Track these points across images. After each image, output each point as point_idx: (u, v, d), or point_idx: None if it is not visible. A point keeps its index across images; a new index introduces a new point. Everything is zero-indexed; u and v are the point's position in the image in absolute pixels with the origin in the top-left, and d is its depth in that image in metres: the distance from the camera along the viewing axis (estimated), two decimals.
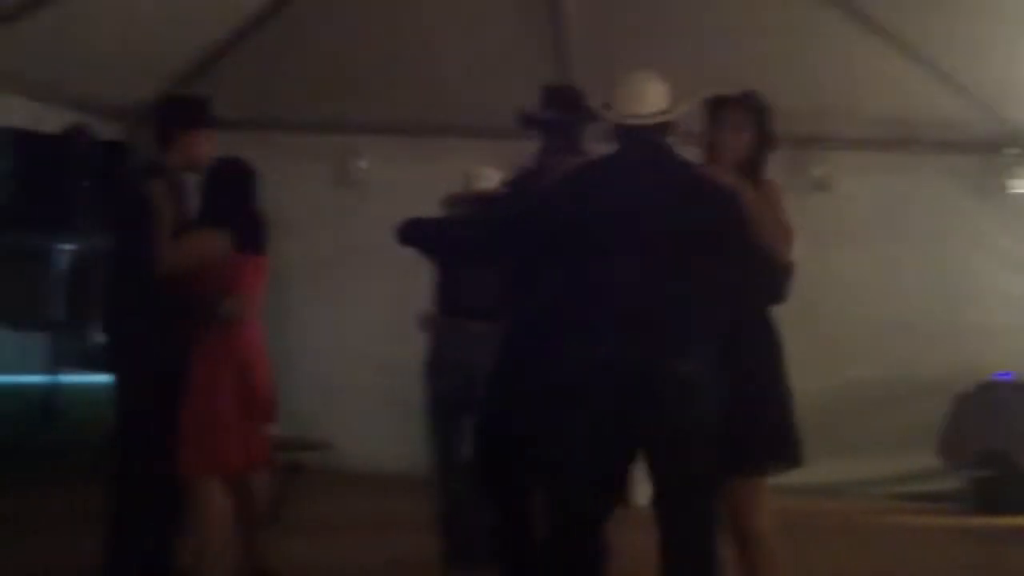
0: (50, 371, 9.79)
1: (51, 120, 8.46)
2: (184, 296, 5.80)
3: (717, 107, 5.32)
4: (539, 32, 8.87)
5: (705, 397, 4.70)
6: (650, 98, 4.92)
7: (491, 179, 6.86)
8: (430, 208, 7.27)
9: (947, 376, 9.12)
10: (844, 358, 9.44)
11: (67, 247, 9.93)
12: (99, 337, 6.64)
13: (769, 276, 5.09)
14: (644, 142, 4.94)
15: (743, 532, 5.16)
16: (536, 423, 5.05)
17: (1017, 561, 7.85)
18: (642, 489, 4.91)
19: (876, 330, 9.48)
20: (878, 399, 9.45)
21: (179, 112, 6.25)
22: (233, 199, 5.97)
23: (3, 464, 9.37)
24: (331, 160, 9.89)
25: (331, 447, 9.54)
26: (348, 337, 9.73)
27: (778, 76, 8.52)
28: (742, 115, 5.29)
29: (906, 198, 9.58)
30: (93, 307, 10.61)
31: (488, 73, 8.78)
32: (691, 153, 5.26)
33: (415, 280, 7.21)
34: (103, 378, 6.13)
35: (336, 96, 9.51)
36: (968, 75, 8.73)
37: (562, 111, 5.66)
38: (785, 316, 9.03)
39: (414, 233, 6.84)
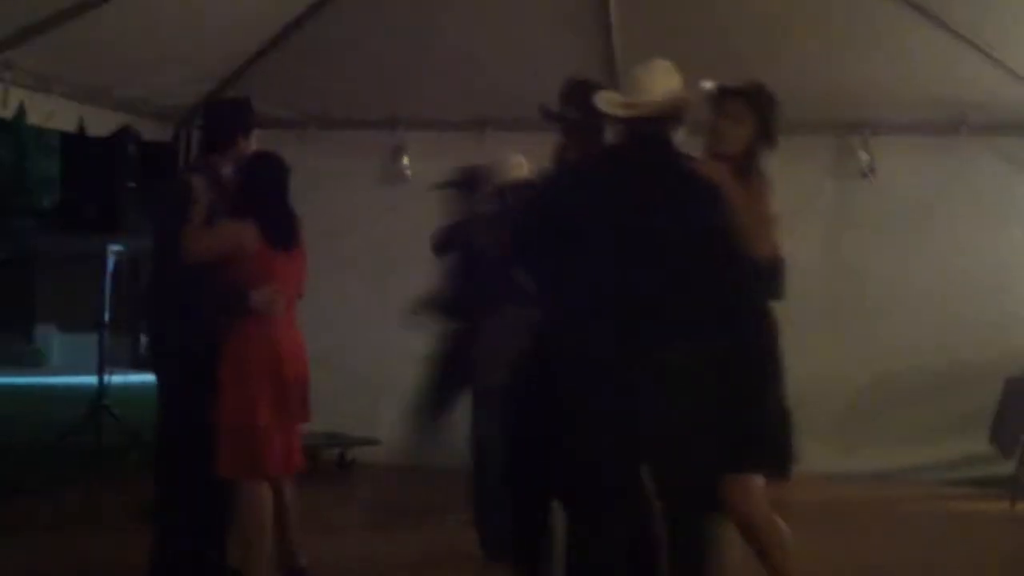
0: (101, 372, 9.84)
1: (99, 123, 8.53)
2: (218, 291, 5.75)
3: (720, 97, 5.29)
4: (584, 24, 8.87)
5: (694, 387, 4.65)
6: (653, 88, 4.84)
7: (522, 167, 6.86)
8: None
9: (998, 362, 9.04)
10: (895, 344, 9.41)
11: (116, 249, 9.99)
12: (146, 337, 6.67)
13: (755, 275, 4.97)
14: (640, 135, 4.88)
15: (737, 522, 5.10)
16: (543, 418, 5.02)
17: None
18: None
19: (926, 315, 9.44)
20: (928, 386, 9.41)
21: (231, 116, 6.27)
22: (264, 194, 5.92)
23: (53, 464, 9.49)
24: (378, 157, 9.93)
25: (378, 443, 9.59)
26: (394, 333, 9.74)
27: (829, 64, 8.55)
28: (743, 106, 5.25)
29: (956, 182, 9.51)
30: (143, 308, 10.68)
31: (533, 66, 8.76)
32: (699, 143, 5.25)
33: None
34: (152, 378, 6.16)
35: (382, 93, 9.56)
36: (1019, 57, 8.67)
37: (580, 106, 5.60)
38: (835, 304, 9.14)
39: (446, 242, 6.95)
